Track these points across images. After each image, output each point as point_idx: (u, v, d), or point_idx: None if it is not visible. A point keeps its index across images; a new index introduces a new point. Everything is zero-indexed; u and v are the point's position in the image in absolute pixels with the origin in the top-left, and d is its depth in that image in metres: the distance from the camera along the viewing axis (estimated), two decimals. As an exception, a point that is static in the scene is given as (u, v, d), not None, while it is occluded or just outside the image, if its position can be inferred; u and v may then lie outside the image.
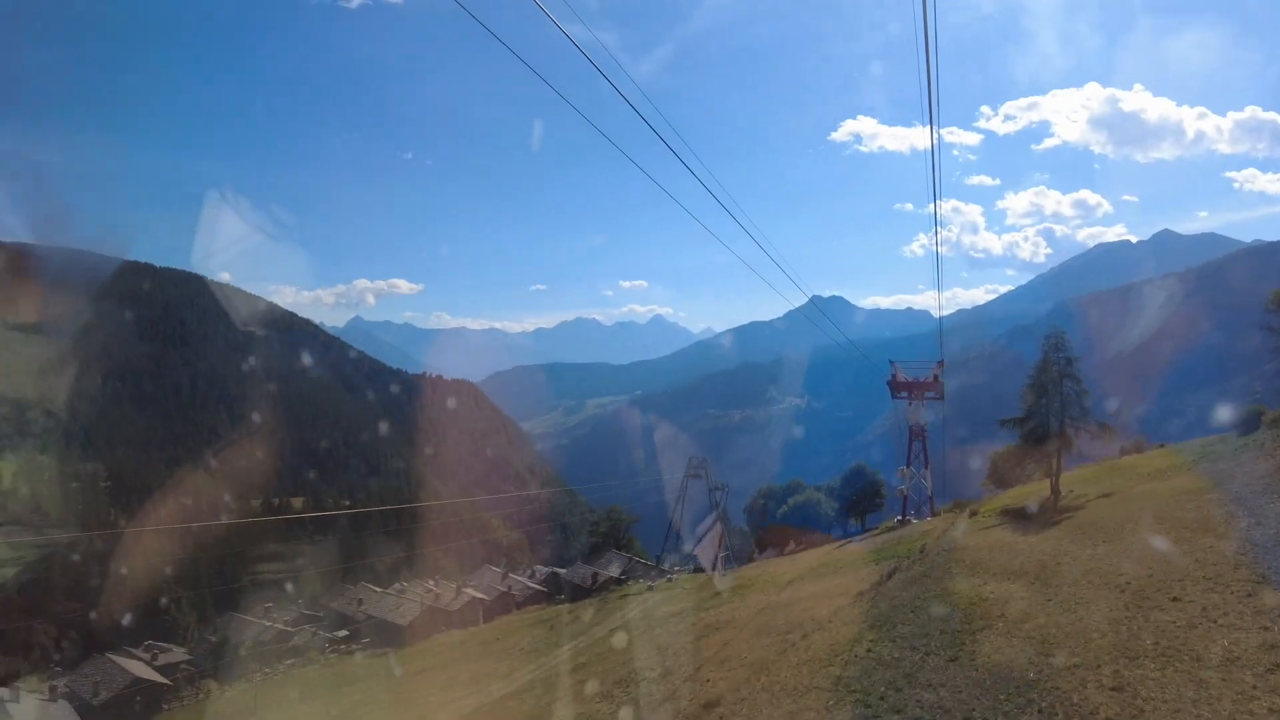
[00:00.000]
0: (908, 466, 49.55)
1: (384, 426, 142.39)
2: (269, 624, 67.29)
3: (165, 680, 54.23)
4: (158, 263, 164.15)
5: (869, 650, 14.70)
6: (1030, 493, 32.02)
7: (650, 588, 52.92)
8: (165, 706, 52.48)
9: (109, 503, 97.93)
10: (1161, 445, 40.16)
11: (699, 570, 60.11)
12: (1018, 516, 25.70)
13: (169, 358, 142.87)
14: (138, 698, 50.81)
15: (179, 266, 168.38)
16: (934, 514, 46.53)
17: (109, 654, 55.89)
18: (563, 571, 78.31)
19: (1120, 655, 11.21)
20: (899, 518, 48.32)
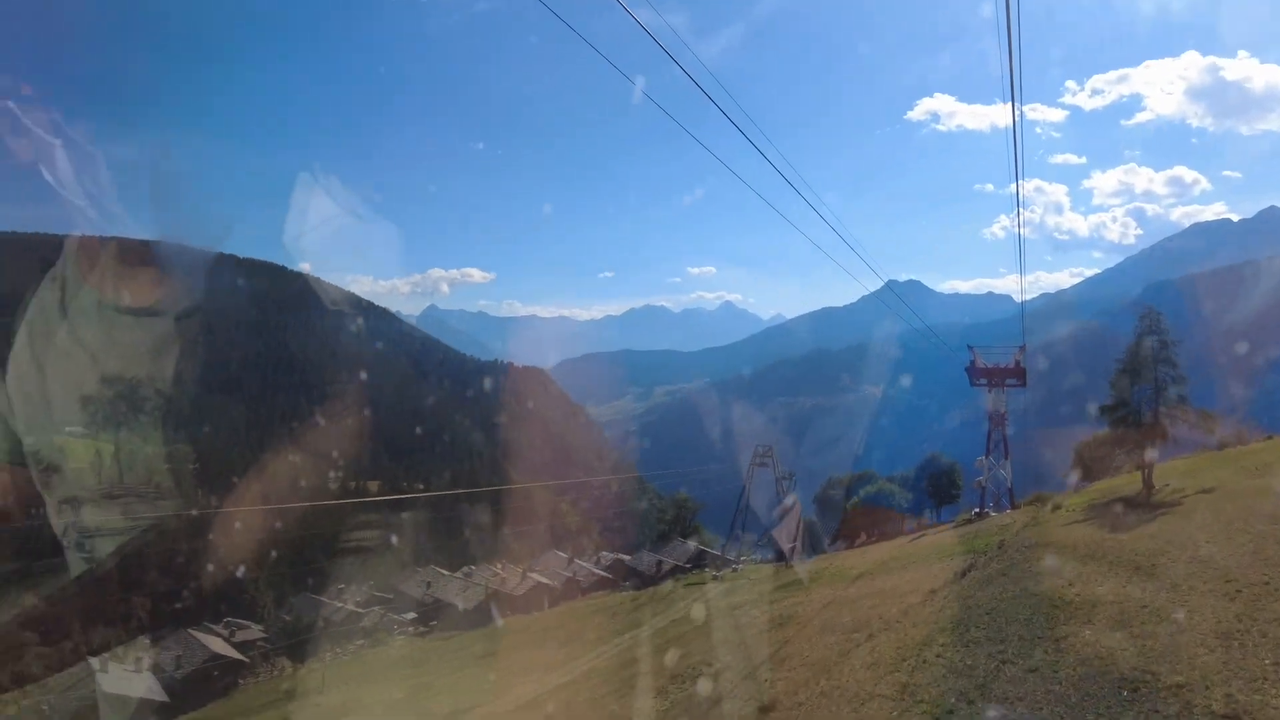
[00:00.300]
0: (986, 456, 47.39)
1: (457, 413, 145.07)
2: (340, 605, 68.74)
3: (242, 657, 55.76)
4: (243, 254, 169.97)
5: (939, 655, 13.47)
6: (1119, 486, 29.89)
7: (715, 577, 52.07)
8: (240, 682, 54.01)
9: (196, 483, 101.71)
10: (1270, 437, 37.22)
11: (766, 561, 58.97)
12: (1106, 511, 23.83)
13: (253, 345, 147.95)
14: (215, 673, 52.33)
15: (262, 258, 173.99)
16: (1013, 506, 44.31)
17: (190, 629, 57.78)
18: (628, 558, 78.11)
19: (1233, 675, 9.78)
20: (976, 510, 46.24)
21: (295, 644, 60.12)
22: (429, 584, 73.07)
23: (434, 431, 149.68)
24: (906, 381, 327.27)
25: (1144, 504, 23.43)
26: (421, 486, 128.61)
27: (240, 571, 65.70)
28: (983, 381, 48.68)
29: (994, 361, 49.11)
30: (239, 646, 58.24)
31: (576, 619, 49.04)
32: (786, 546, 55.83)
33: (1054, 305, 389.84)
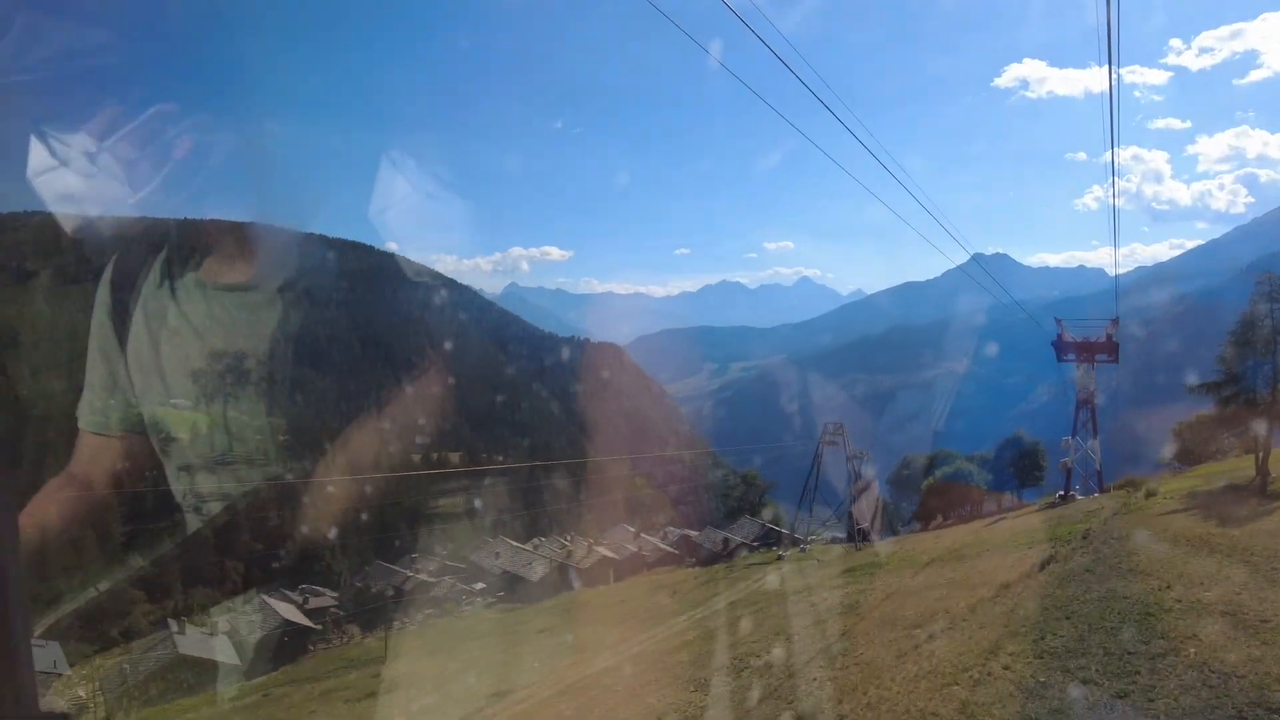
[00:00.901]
0: (1073, 436, 44.15)
1: (535, 387, 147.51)
2: (411, 574, 69.57)
3: (312, 624, 56.83)
4: (333, 234, 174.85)
5: (1007, 668, 11.59)
6: (1225, 471, 26.95)
7: (780, 558, 50.37)
8: (310, 648, 55.01)
9: (292, 453, 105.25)
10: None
11: (836, 540, 56.99)
12: (1212, 501, 21.20)
13: (343, 320, 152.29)
14: (285, 638, 53.40)
15: (351, 237, 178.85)
16: (1102, 490, 41.17)
17: (264, 595, 59.25)
18: (694, 534, 76.93)
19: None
20: (1061, 493, 43.13)
21: (365, 612, 61.08)
22: (498, 554, 73.33)
23: (512, 405, 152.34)
24: (991, 358, 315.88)
25: (1259, 493, 20.71)
26: (500, 458, 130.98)
27: (332, 535, 67.38)
28: (1070, 356, 45.34)
29: (1083, 335, 45.70)
30: (312, 613, 59.45)
31: (636, 596, 48.11)
32: (863, 526, 53.93)
33: (1151, 278, 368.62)
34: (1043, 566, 18.73)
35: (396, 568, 72.21)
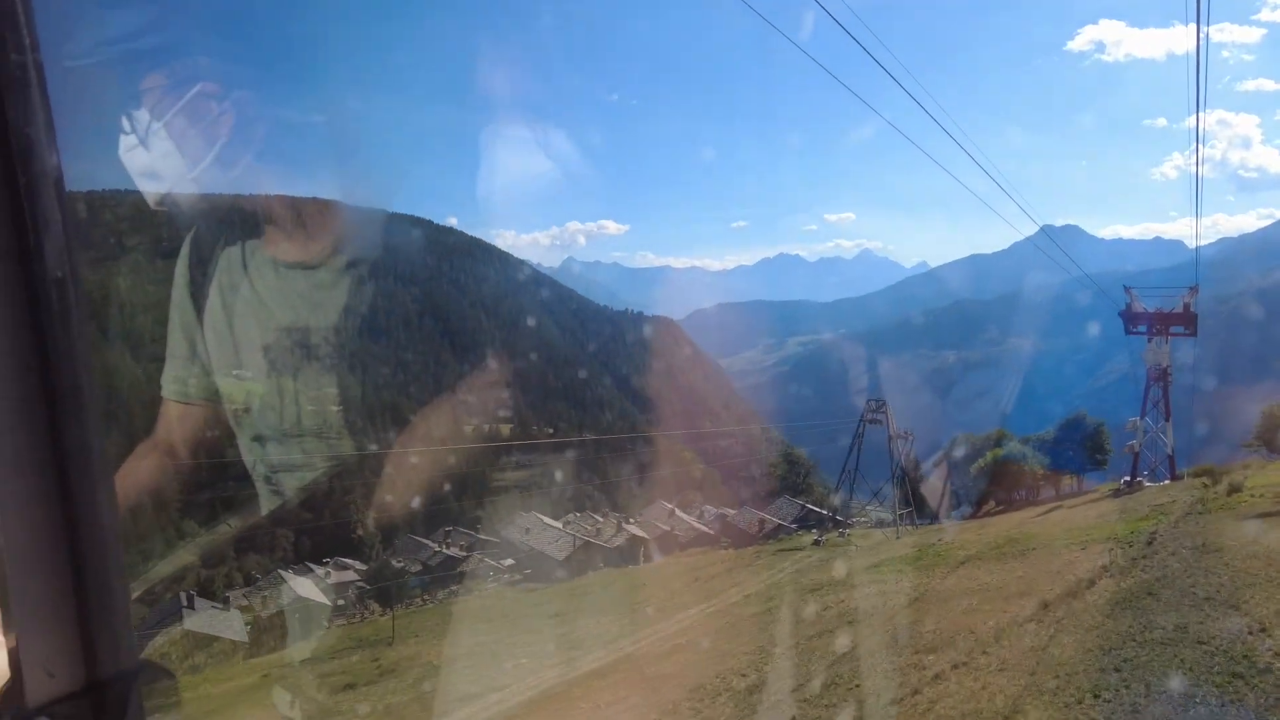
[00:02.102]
0: (1141, 418, 39.46)
1: (588, 362, 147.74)
2: (439, 549, 68.10)
3: (324, 600, 55.71)
4: (395, 209, 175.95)
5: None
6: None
7: (817, 543, 47.02)
8: (326, 625, 53.76)
9: (354, 427, 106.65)
10: None
11: (882, 524, 53.54)
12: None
13: (402, 296, 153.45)
14: (296, 615, 52.29)
15: (412, 213, 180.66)
16: (1173, 478, 36.61)
17: (286, 569, 58.39)
18: (731, 514, 73.86)
19: None
20: (1125, 479, 38.41)
21: (385, 587, 59.72)
22: (528, 530, 71.45)
23: (566, 379, 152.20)
24: (1060, 334, 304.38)
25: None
26: (550, 431, 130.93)
27: (377, 507, 66.87)
28: (1141, 329, 40.59)
29: (1158, 306, 40.68)
30: (336, 588, 58.32)
31: (657, 582, 45.54)
32: (936, 506, 51.15)
33: (1236, 250, 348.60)
34: (1093, 582, 15.01)
35: (428, 541, 70.93)
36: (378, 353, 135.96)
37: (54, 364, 0.88)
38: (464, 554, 67.42)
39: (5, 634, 0.92)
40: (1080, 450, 52.39)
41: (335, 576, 60.78)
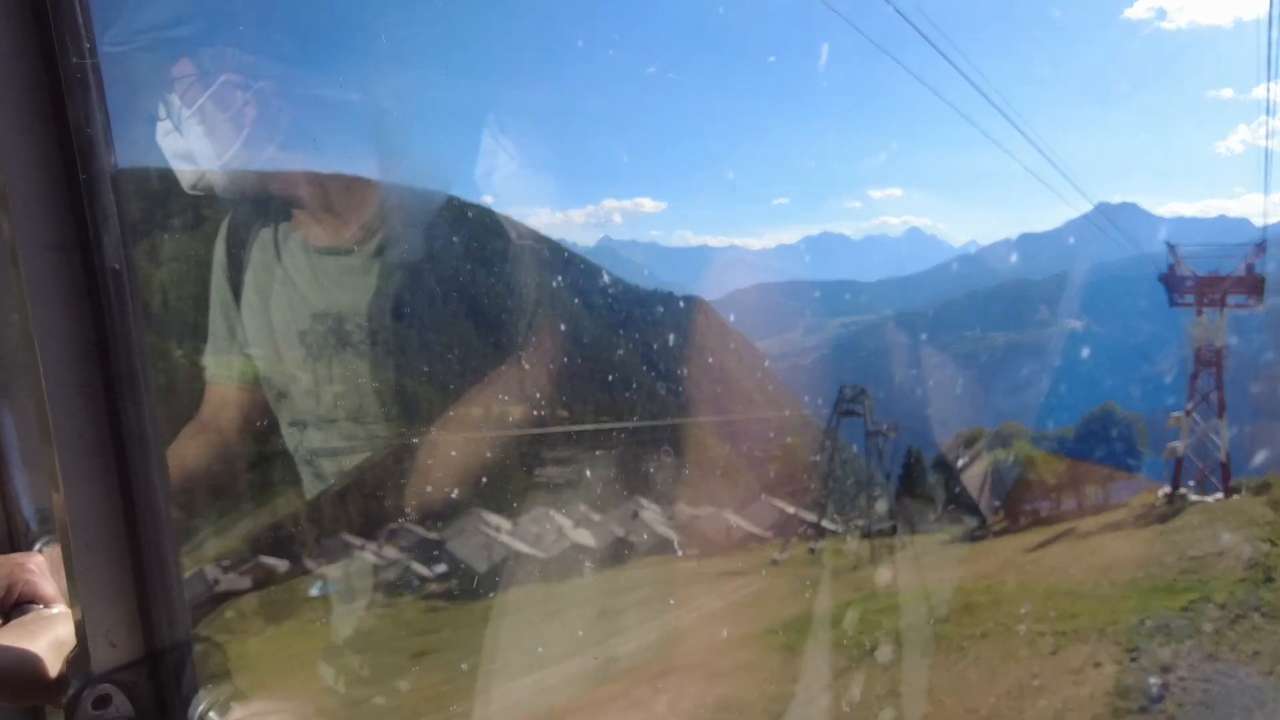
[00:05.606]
0: (1187, 413, 33.20)
1: (623, 345, 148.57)
2: (367, 549, 67.50)
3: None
4: (425, 188, 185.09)
5: None
6: None
7: (813, 551, 43.32)
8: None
9: (388, 413, 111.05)
10: None
11: (878, 532, 49.40)
12: None
13: (433, 277, 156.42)
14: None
15: (441, 191, 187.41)
16: (1226, 491, 31.07)
17: (264, 557, 57.73)
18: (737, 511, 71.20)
19: None
20: (1166, 491, 32.67)
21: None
22: (543, 525, 69.74)
23: (598, 363, 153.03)
24: (1117, 317, 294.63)
25: None
26: (565, 414, 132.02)
27: (396, 494, 67.17)
28: (1189, 299, 32.54)
29: (1211, 270, 32.64)
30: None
31: (619, 591, 42.79)
32: (982, 504, 47.42)
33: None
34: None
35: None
36: (406, 337, 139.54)
37: (112, 350, 0.96)
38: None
39: (72, 606, 1.01)
40: (1109, 452, 46.76)
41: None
